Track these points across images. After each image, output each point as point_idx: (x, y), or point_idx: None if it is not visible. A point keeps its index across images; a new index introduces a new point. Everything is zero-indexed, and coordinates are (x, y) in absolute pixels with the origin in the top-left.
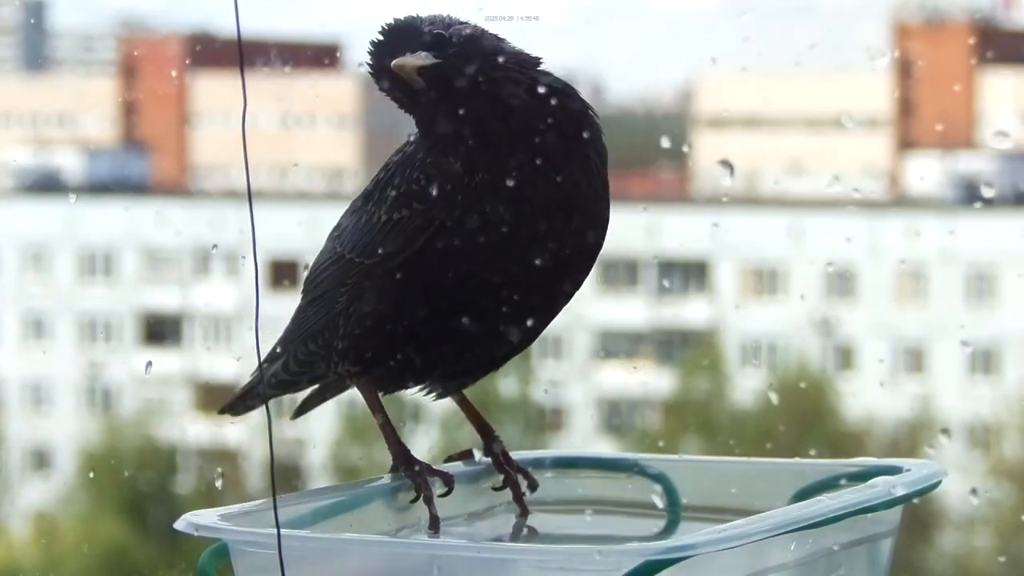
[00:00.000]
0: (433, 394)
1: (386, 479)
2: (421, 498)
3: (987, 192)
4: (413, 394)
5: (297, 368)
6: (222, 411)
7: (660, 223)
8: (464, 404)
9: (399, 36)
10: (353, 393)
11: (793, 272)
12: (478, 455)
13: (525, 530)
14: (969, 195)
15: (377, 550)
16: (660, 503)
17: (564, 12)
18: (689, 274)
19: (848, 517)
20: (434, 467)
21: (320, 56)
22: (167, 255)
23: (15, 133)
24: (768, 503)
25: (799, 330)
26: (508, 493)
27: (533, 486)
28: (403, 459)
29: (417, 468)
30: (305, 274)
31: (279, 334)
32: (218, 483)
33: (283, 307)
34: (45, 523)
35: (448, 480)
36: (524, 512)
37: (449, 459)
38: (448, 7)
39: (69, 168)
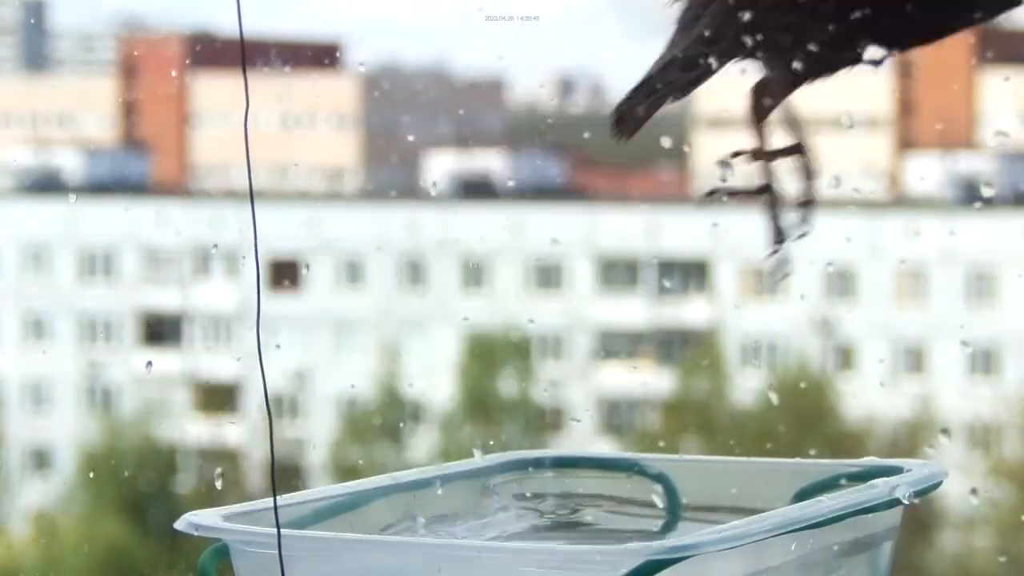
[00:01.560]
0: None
1: (385, 478)
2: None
3: (987, 192)
4: None
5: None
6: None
7: (660, 223)
8: None
9: None
10: (352, 393)
11: (793, 272)
12: (478, 455)
13: (524, 529)
14: (969, 195)
15: (377, 550)
16: (660, 503)
17: (564, 12)
18: (689, 274)
19: (848, 517)
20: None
21: (320, 56)
22: (167, 255)
23: (15, 133)
24: (768, 503)
25: (799, 330)
26: (505, 491)
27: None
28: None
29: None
30: (306, 272)
31: (279, 334)
32: (218, 483)
33: (283, 307)
34: (45, 523)
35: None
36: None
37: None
38: (448, 7)
39: (69, 168)
